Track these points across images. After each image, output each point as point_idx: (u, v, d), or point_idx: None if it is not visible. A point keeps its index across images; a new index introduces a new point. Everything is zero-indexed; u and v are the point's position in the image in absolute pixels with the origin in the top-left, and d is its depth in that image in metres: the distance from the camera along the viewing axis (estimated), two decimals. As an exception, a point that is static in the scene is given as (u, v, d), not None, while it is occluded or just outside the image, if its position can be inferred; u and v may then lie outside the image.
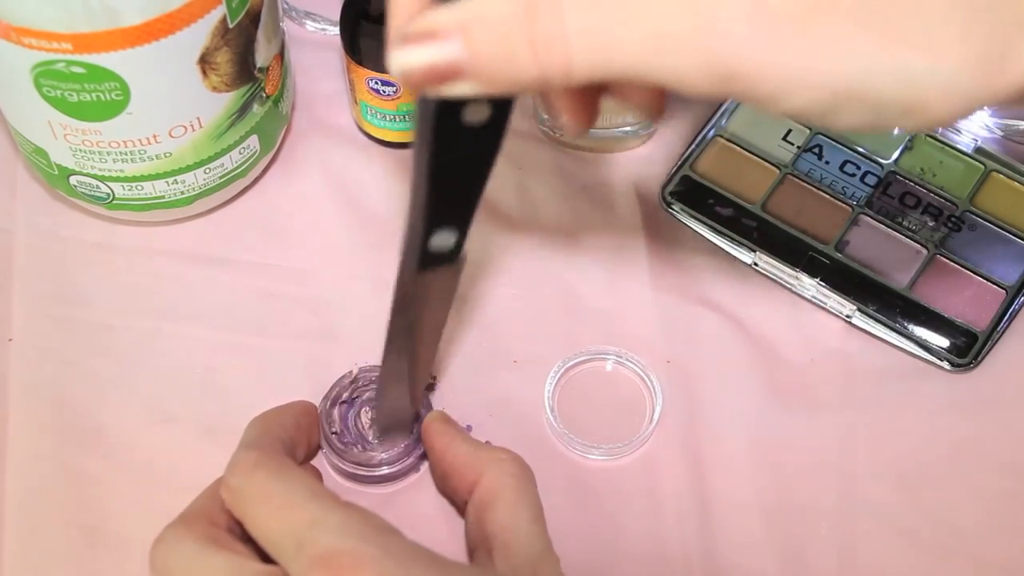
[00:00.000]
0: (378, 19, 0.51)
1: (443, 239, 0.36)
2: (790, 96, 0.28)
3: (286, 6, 0.60)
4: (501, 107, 0.31)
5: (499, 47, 0.28)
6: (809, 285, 0.52)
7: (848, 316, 0.51)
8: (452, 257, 0.37)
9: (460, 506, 0.45)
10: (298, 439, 0.44)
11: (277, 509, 0.36)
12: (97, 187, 0.50)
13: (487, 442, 0.46)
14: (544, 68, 0.28)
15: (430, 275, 0.37)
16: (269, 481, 0.37)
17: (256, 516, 0.37)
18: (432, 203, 0.34)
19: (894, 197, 0.54)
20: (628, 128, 0.55)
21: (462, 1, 0.29)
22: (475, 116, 0.31)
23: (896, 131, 0.29)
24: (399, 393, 0.45)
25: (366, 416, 0.48)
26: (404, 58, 0.29)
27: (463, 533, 0.44)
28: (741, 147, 0.56)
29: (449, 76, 0.29)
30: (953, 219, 0.54)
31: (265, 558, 0.37)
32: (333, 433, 0.46)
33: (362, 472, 0.46)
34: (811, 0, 0.27)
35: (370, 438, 0.47)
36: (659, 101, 0.35)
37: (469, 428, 0.47)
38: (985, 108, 0.56)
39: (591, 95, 0.35)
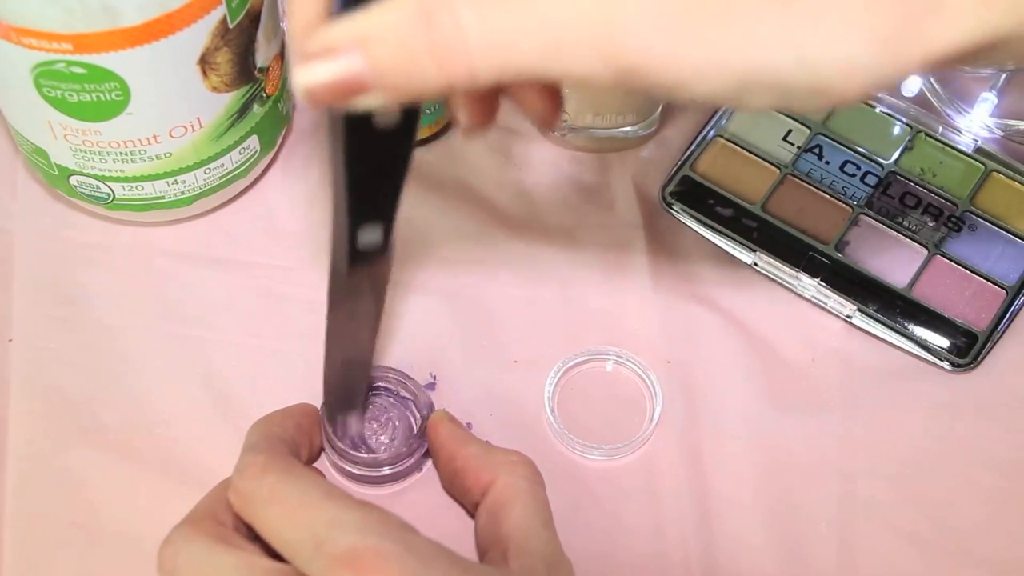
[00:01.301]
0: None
1: (370, 235, 0.36)
2: (695, 85, 0.28)
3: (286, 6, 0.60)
4: (410, 110, 0.31)
5: (400, 58, 0.28)
6: (809, 285, 0.52)
7: (848, 316, 0.51)
8: (381, 250, 0.38)
9: (469, 507, 0.45)
10: (301, 441, 0.44)
11: (292, 511, 0.36)
12: (97, 187, 0.50)
13: (486, 442, 0.46)
14: (447, 74, 0.28)
15: (362, 269, 0.38)
16: (281, 483, 0.37)
17: (269, 518, 0.37)
18: (353, 203, 0.34)
19: (894, 197, 0.54)
20: (628, 128, 0.55)
21: (358, 13, 0.29)
22: (385, 120, 0.31)
23: (813, 109, 0.30)
24: (343, 380, 0.45)
25: (369, 419, 0.48)
26: (306, 77, 0.29)
27: (464, 533, 0.44)
28: (741, 147, 0.56)
29: (354, 90, 0.29)
30: (953, 219, 0.54)
31: (273, 557, 0.37)
32: (335, 434, 0.46)
33: (364, 473, 0.46)
34: None
35: (371, 439, 0.47)
36: (553, 106, 0.35)
37: (469, 426, 0.47)
38: (985, 89, 0.56)
39: (490, 95, 0.35)
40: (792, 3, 0.27)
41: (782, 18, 0.27)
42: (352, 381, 0.46)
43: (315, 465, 0.47)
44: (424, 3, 0.28)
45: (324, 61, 0.29)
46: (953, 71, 0.57)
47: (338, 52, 0.29)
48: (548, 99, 0.35)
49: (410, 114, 0.32)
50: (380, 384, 0.48)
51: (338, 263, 0.37)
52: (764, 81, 0.28)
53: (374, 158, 0.33)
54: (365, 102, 0.29)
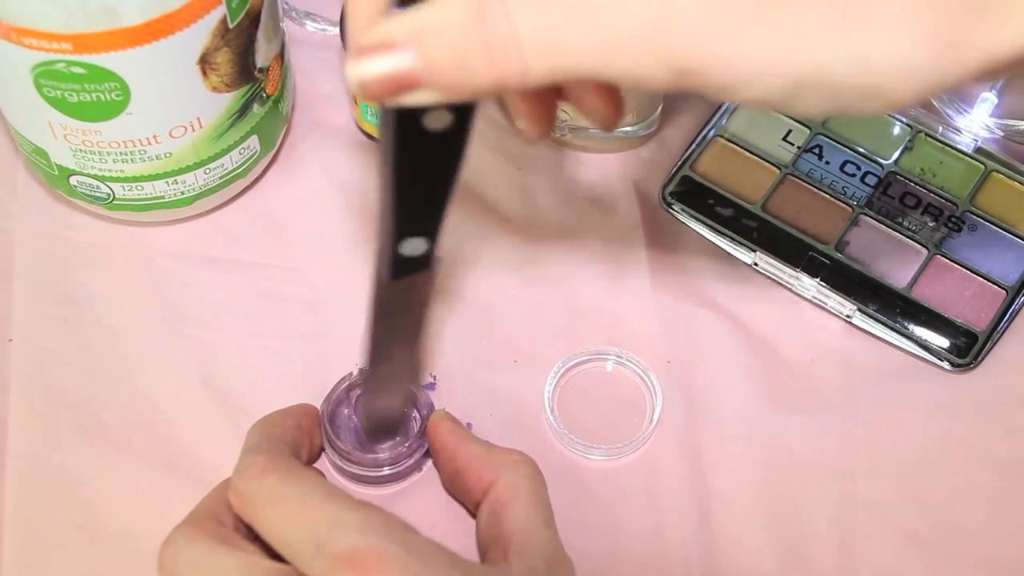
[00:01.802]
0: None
1: (414, 246, 0.36)
2: (748, 86, 0.28)
3: (286, 6, 0.60)
4: (463, 113, 0.31)
5: (453, 55, 0.28)
6: (809, 285, 0.52)
7: (848, 316, 0.51)
8: (425, 263, 0.37)
9: (470, 506, 0.45)
10: (301, 441, 0.44)
11: (293, 511, 0.36)
12: (97, 187, 0.50)
13: (487, 442, 0.46)
14: (499, 73, 0.28)
15: (405, 282, 0.37)
16: (281, 484, 0.37)
17: (269, 519, 0.37)
18: (399, 211, 0.34)
19: (894, 197, 0.54)
20: (628, 128, 0.55)
21: (415, 8, 0.29)
22: (437, 123, 0.31)
23: (862, 113, 0.30)
24: (388, 398, 0.45)
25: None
26: (359, 70, 0.29)
27: (464, 533, 0.44)
28: (741, 147, 0.56)
29: (406, 86, 0.29)
30: (953, 219, 0.54)
31: (274, 558, 0.37)
32: (335, 435, 0.46)
33: (364, 473, 0.46)
34: None
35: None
36: (614, 107, 0.35)
37: (469, 426, 0.47)
38: (985, 89, 0.56)
39: (547, 99, 0.35)
40: (847, 4, 0.27)
41: (838, 17, 0.27)
42: (394, 401, 0.45)
43: (315, 465, 0.47)
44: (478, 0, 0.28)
45: (378, 56, 0.29)
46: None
47: (392, 47, 0.29)
48: (608, 100, 0.34)
49: (463, 119, 0.31)
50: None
51: (381, 273, 0.37)
52: (817, 82, 0.28)
53: (424, 163, 0.32)
54: (417, 99, 0.29)
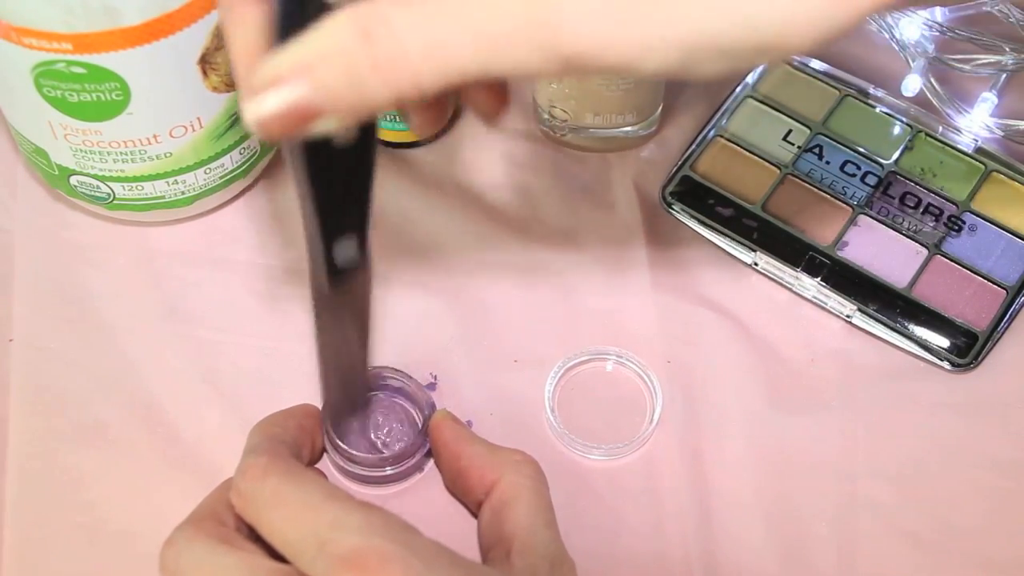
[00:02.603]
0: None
1: (345, 251, 0.36)
2: (641, 63, 0.28)
3: (286, 6, 0.60)
4: (366, 123, 0.31)
5: (347, 77, 0.28)
6: (809, 285, 0.52)
7: (848, 316, 0.51)
8: (360, 265, 0.37)
9: (472, 506, 0.45)
10: (303, 442, 0.44)
11: (295, 512, 0.36)
12: (97, 187, 0.50)
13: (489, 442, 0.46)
14: (394, 87, 0.28)
15: (343, 287, 0.38)
16: (282, 485, 0.37)
17: (271, 520, 0.37)
18: (323, 223, 0.34)
19: (894, 197, 0.54)
20: (628, 128, 0.55)
21: (298, 40, 0.29)
22: (343, 138, 0.31)
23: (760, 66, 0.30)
24: (342, 394, 0.45)
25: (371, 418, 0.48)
26: (256, 109, 0.29)
27: (466, 533, 0.44)
28: (741, 147, 0.56)
29: (307, 116, 0.29)
30: (953, 219, 0.54)
31: (275, 558, 0.37)
32: (336, 434, 0.46)
33: (366, 473, 0.46)
34: None
35: (372, 438, 0.47)
36: (498, 101, 0.35)
37: (469, 425, 0.47)
38: (985, 89, 0.56)
39: (440, 100, 0.35)
40: None
41: None
42: (350, 394, 0.46)
43: (317, 466, 0.47)
44: (360, 20, 0.28)
45: (271, 91, 0.29)
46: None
47: (284, 81, 0.29)
48: (492, 94, 0.35)
49: (367, 128, 0.32)
50: (381, 384, 0.48)
51: (319, 284, 0.37)
52: (709, 48, 0.27)
53: (338, 176, 0.33)
54: (320, 127, 0.29)
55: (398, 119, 0.54)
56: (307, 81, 0.29)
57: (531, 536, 0.40)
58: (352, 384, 0.45)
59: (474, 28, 0.28)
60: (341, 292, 0.38)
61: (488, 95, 0.35)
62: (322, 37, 0.28)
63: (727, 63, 0.28)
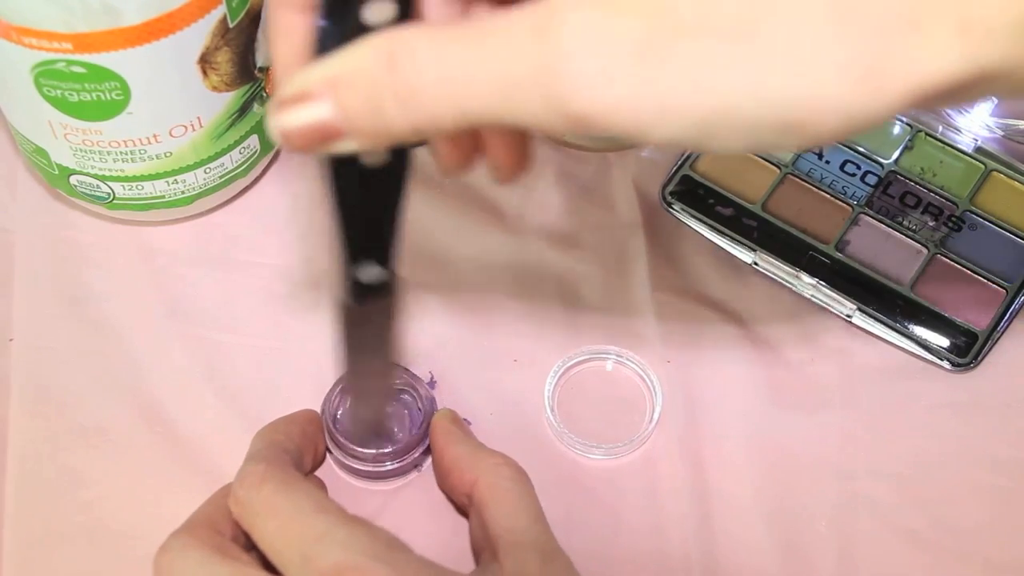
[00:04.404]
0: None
1: (370, 273, 0.36)
2: (652, 131, 0.26)
3: (286, 6, 0.60)
4: (399, 150, 0.31)
5: (368, 104, 0.28)
6: (809, 285, 0.52)
7: (848, 316, 0.51)
8: (385, 290, 0.37)
9: (459, 505, 0.45)
10: (305, 448, 0.44)
11: (284, 523, 0.37)
12: (97, 187, 0.50)
13: (479, 443, 0.46)
14: (411, 120, 0.28)
15: (368, 306, 0.37)
16: (276, 495, 0.38)
17: (264, 529, 0.37)
18: (348, 242, 0.34)
19: (894, 197, 0.54)
20: (628, 128, 0.55)
21: (332, 57, 0.28)
22: (372, 160, 0.31)
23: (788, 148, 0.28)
24: (367, 407, 0.46)
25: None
26: (280, 122, 0.29)
27: (466, 530, 0.44)
28: (741, 147, 0.56)
29: (327, 136, 0.29)
30: (953, 219, 0.54)
31: (271, 568, 0.37)
32: (337, 431, 0.46)
33: (367, 469, 0.46)
34: (654, 23, 0.25)
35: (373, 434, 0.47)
36: (515, 160, 0.34)
37: (468, 422, 0.48)
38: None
39: (465, 144, 0.35)
40: (748, 37, 0.24)
41: (737, 50, 0.25)
42: (368, 405, 0.46)
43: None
44: (388, 45, 0.27)
45: (297, 107, 0.28)
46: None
47: (311, 98, 0.28)
48: (511, 151, 0.34)
49: (400, 153, 0.31)
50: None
51: (343, 298, 0.37)
52: (729, 122, 0.25)
53: (366, 197, 0.33)
54: (340, 147, 0.29)
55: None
56: (331, 101, 0.28)
57: (515, 535, 0.40)
58: (370, 398, 0.46)
59: (489, 68, 0.26)
60: (364, 308, 0.38)
61: (506, 150, 0.34)
62: (351, 58, 0.28)
63: (747, 140, 0.26)
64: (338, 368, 0.43)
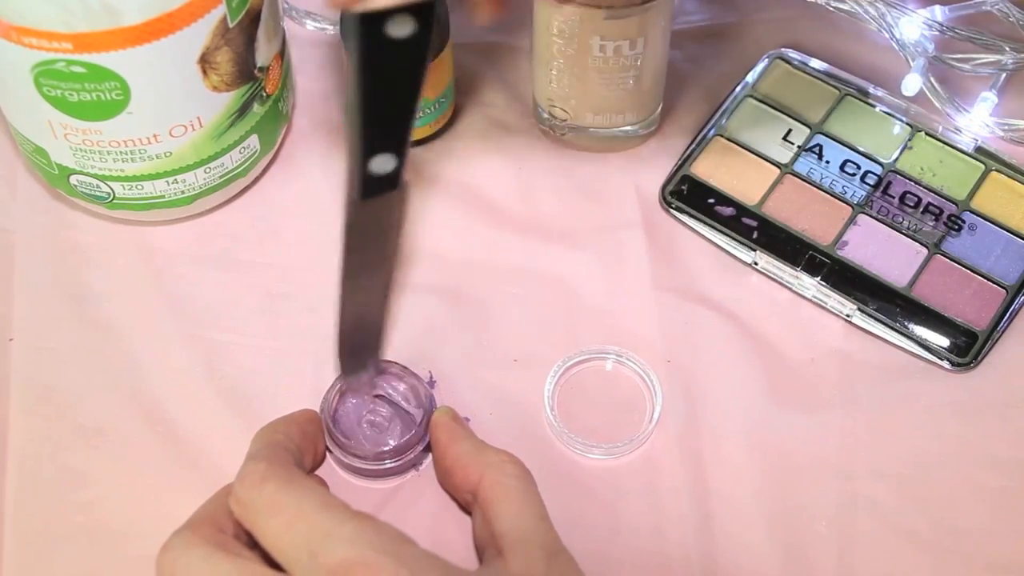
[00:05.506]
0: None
1: (382, 164, 0.37)
2: None
3: (286, 6, 0.60)
4: (423, 19, 0.33)
5: None
6: (809, 285, 0.52)
7: (848, 316, 0.51)
8: (393, 182, 0.38)
9: (462, 503, 0.45)
10: (305, 448, 0.44)
11: (289, 521, 0.37)
12: (97, 187, 0.50)
13: (481, 441, 0.46)
14: None
15: (375, 202, 0.39)
16: (279, 493, 0.38)
17: (267, 528, 0.37)
18: (368, 126, 0.36)
19: (894, 197, 0.54)
20: (628, 128, 0.55)
21: None
22: (399, 31, 0.33)
23: None
24: (359, 319, 0.45)
25: (370, 412, 0.48)
26: None
27: (466, 528, 0.44)
28: (741, 147, 0.56)
29: None
30: (953, 219, 0.54)
31: (274, 565, 0.37)
32: (337, 429, 0.46)
33: (367, 466, 0.46)
34: None
35: (373, 433, 0.47)
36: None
37: (468, 420, 0.48)
38: (985, 88, 0.56)
39: None
40: None
41: None
42: (366, 331, 0.46)
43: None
44: None
45: None
46: None
47: None
48: None
49: (424, 24, 0.33)
50: (382, 378, 0.48)
51: (351, 195, 0.38)
52: None
53: (387, 72, 0.34)
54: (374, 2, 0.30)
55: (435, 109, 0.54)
56: None
57: (521, 533, 0.40)
58: (368, 324, 0.45)
59: None
60: (372, 207, 0.39)
61: None
62: None
63: None
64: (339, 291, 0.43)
